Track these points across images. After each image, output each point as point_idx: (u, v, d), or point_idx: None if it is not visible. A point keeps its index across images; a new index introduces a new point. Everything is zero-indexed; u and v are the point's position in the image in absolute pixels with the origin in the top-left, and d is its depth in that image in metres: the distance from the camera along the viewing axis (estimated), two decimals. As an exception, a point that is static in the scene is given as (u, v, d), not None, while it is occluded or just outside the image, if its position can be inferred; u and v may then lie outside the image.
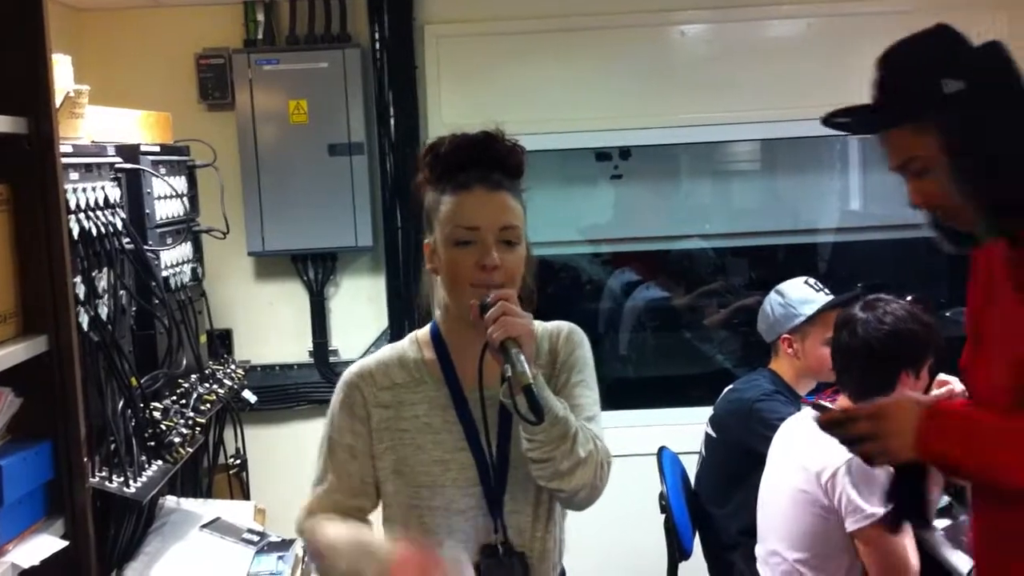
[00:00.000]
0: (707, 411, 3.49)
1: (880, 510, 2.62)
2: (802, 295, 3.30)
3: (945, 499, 2.99)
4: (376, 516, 2.11)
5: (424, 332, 2.12)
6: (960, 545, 2.79)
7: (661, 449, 3.50)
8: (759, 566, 2.93)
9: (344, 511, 2.05)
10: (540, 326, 2.09)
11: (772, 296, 3.37)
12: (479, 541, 2.01)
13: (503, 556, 2.00)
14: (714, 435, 3.38)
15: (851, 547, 2.72)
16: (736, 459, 3.26)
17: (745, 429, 3.22)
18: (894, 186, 4.09)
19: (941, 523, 2.93)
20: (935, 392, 2.83)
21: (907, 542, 2.67)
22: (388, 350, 2.13)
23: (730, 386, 3.44)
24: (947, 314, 3.96)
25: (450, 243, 1.96)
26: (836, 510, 2.69)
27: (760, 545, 2.93)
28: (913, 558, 2.68)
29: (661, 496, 3.38)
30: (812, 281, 3.36)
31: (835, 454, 2.65)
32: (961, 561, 2.74)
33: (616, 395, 4.35)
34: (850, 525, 2.67)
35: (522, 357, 1.82)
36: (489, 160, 1.99)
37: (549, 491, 1.96)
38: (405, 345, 2.12)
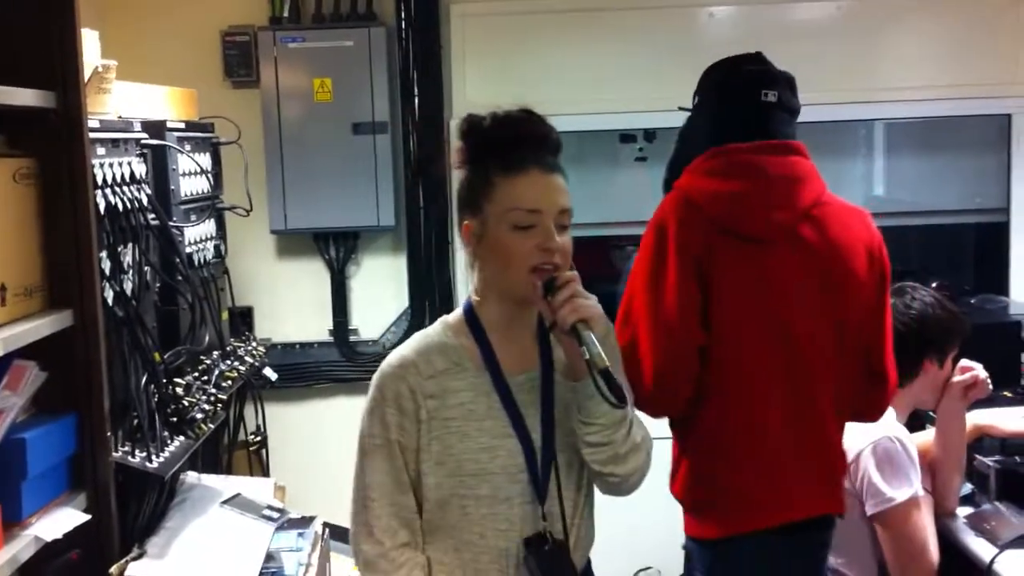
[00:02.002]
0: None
1: (901, 495, 2.60)
2: None
3: (968, 487, 2.98)
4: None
5: (455, 317, 2.05)
6: (983, 533, 2.77)
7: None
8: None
9: (407, 519, 1.97)
10: None
11: None
12: (522, 531, 1.95)
13: (549, 546, 1.95)
14: None
15: (873, 533, 2.71)
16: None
17: None
18: (919, 172, 4.10)
19: (964, 511, 2.91)
20: (957, 378, 2.81)
21: (927, 528, 2.66)
22: (422, 337, 2.04)
23: None
24: (972, 301, 3.93)
25: (508, 227, 1.90)
26: (858, 494, 2.67)
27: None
28: (932, 546, 2.67)
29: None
30: None
31: (860, 438, 2.64)
32: (983, 549, 2.72)
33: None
34: (869, 508, 2.65)
35: (594, 339, 1.81)
36: (535, 139, 1.94)
37: (601, 475, 1.94)
38: (438, 331, 2.04)
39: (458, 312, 2.06)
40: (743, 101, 2.42)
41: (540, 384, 1.95)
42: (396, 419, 1.96)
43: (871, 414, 2.53)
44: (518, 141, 1.93)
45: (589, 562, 2.12)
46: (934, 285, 2.89)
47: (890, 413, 2.70)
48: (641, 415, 2.03)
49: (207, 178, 3.29)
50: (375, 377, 2.01)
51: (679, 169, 2.46)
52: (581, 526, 2.03)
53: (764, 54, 2.50)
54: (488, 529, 1.95)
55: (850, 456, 2.65)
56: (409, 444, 1.96)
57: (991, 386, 2.86)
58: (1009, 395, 3.26)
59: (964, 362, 2.83)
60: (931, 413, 2.94)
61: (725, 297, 2.28)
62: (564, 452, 1.95)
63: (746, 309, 2.30)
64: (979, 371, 2.83)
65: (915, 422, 2.99)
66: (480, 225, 1.94)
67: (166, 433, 2.70)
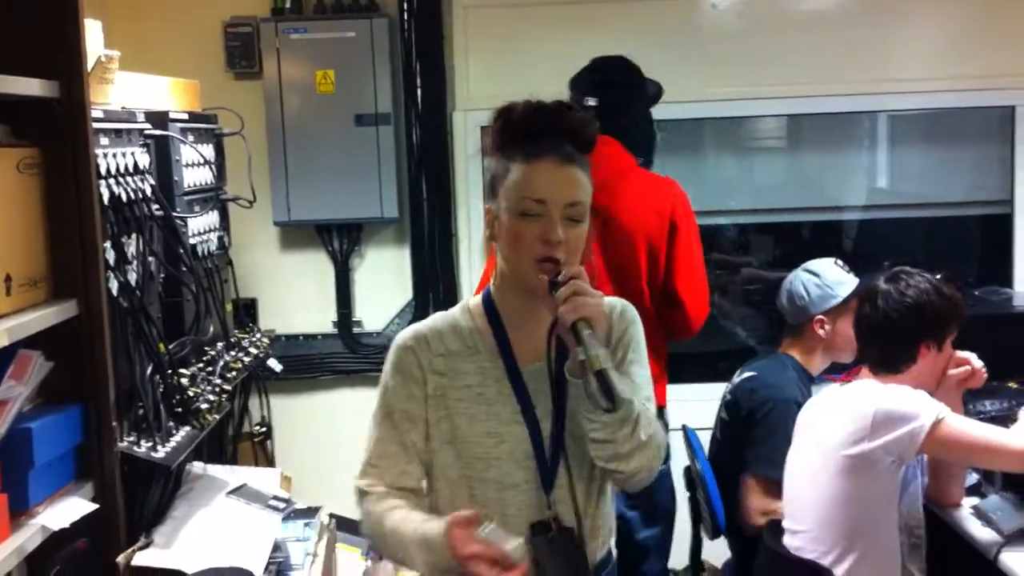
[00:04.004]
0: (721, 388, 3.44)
1: (927, 419, 2.58)
2: (837, 276, 3.25)
3: (974, 477, 2.98)
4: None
5: (476, 301, 2.07)
6: (989, 523, 2.77)
7: (683, 427, 3.46)
8: (787, 540, 2.90)
9: (404, 485, 1.99)
10: None
11: (803, 276, 3.29)
12: (530, 517, 1.97)
13: (555, 533, 1.95)
14: (730, 420, 3.34)
15: (884, 520, 2.70)
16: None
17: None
18: (922, 164, 4.10)
19: (969, 501, 2.91)
20: (953, 370, 2.81)
21: (976, 424, 2.64)
22: (439, 318, 2.08)
23: (749, 372, 3.33)
24: (977, 292, 3.93)
25: (515, 214, 1.91)
26: (879, 461, 2.65)
27: (789, 520, 2.90)
28: (997, 432, 2.63)
29: (687, 471, 3.37)
30: (840, 262, 3.33)
31: (864, 405, 2.65)
32: (989, 539, 2.72)
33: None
34: (918, 445, 2.61)
35: (594, 339, 1.79)
36: (562, 131, 1.93)
37: (606, 471, 1.93)
38: (456, 313, 2.07)
39: (478, 297, 2.08)
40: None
41: (554, 374, 1.93)
42: (403, 387, 2.00)
43: (678, 332, 3.21)
44: (538, 130, 1.93)
45: (611, 552, 2.11)
46: (939, 276, 2.88)
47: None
48: (653, 410, 1.99)
49: (210, 169, 3.29)
50: (390, 348, 2.06)
51: None
52: (597, 515, 2.03)
53: (625, 56, 3.32)
54: (496, 513, 1.96)
55: (866, 427, 2.65)
56: (418, 412, 2.00)
57: (987, 375, 2.86)
58: (1015, 386, 3.26)
59: (960, 353, 2.83)
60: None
61: None
62: (576, 442, 1.95)
63: None
64: (974, 361, 2.83)
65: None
66: (496, 210, 1.96)
67: (171, 423, 2.70)
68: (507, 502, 1.97)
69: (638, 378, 1.99)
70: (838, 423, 2.72)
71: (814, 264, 3.33)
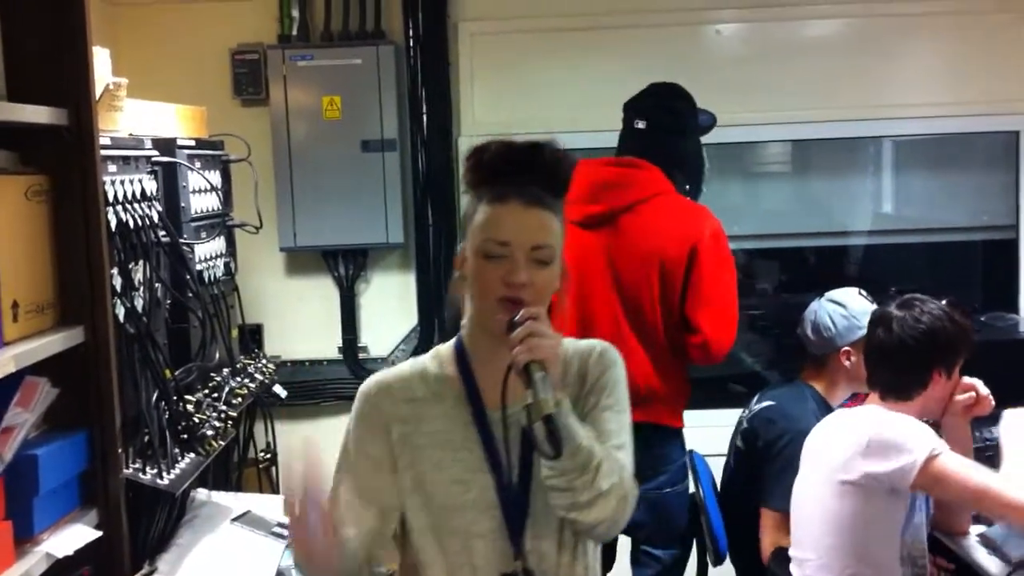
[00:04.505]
0: (731, 414, 3.44)
1: (920, 454, 2.56)
2: (863, 306, 3.20)
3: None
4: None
5: (447, 347, 2.02)
6: (996, 552, 2.76)
7: (691, 452, 3.45)
8: (793, 569, 2.90)
9: (366, 534, 1.90)
10: (571, 345, 1.98)
11: (829, 307, 3.24)
12: (498, 568, 1.91)
13: None
14: (746, 450, 3.33)
15: (886, 550, 2.69)
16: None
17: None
18: (927, 189, 4.09)
19: (976, 529, 2.90)
20: (959, 397, 2.81)
21: (973, 466, 2.62)
22: (409, 364, 2.03)
23: (768, 401, 3.30)
24: (982, 318, 3.92)
25: (480, 255, 1.86)
26: (872, 489, 2.64)
27: (795, 548, 2.90)
28: (994, 477, 2.60)
29: (691, 497, 3.36)
30: (864, 292, 3.29)
31: (863, 430, 2.65)
32: (996, 568, 2.71)
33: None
34: (910, 479, 2.60)
35: (547, 382, 1.72)
36: (532, 172, 1.87)
37: (567, 520, 1.85)
38: (426, 360, 2.02)
39: (451, 342, 2.03)
40: (626, 127, 3.29)
41: (522, 421, 1.82)
42: (367, 433, 1.96)
43: (696, 359, 3.14)
44: (508, 170, 1.88)
45: None
46: (945, 302, 2.88)
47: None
48: (624, 458, 1.90)
49: (217, 195, 3.30)
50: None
51: None
52: (575, 566, 1.95)
53: (680, 84, 3.33)
54: (464, 563, 1.92)
55: (848, 454, 2.65)
56: (385, 458, 1.94)
57: (993, 402, 2.86)
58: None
59: (966, 380, 2.83)
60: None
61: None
62: (545, 490, 1.85)
63: (582, 272, 2.99)
64: (980, 388, 2.83)
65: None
66: (465, 251, 1.91)
67: (177, 450, 2.70)
68: (474, 552, 1.91)
69: (610, 424, 1.91)
70: (839, 447, 2.71)
71: (838, 294, 3.28)
